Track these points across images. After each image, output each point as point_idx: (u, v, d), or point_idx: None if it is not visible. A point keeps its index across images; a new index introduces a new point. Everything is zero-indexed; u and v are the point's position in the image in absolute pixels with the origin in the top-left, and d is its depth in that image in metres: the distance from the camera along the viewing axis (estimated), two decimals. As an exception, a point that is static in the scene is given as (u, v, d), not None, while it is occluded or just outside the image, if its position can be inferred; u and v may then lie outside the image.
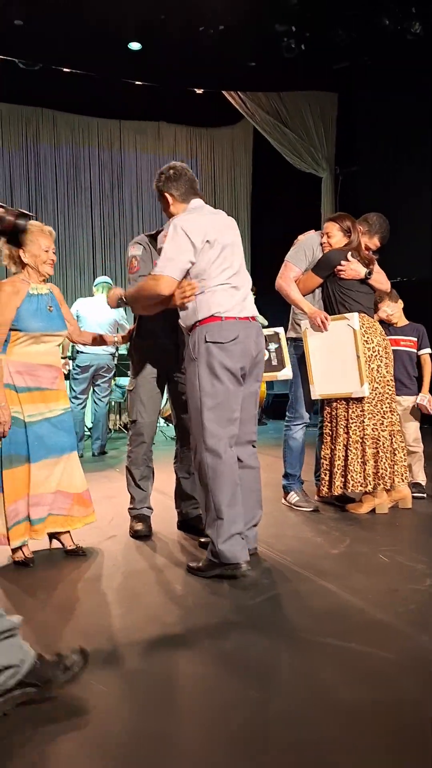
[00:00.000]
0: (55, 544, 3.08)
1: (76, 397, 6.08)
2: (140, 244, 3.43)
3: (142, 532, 3.33)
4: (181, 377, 3.38)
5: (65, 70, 7.62)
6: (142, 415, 3.40)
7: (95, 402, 6.28)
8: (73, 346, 6.26)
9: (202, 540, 3.08)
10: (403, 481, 3.56)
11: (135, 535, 3.33)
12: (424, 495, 3.91)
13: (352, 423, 3.54)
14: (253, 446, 2.91)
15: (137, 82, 8.00)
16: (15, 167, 8.21)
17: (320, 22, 7.27)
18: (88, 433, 6.67)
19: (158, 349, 3.33)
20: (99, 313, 6.00)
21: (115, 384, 7.25)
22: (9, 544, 2.81)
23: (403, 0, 6.85)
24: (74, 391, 6.11)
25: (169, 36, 7.10)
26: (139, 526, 3.37)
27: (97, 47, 7.19)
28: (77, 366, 6.11)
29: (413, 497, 3.75)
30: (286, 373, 3.92)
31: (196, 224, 2.67)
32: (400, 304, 4.10)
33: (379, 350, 3.52)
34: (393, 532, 3.31)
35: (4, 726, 1.62)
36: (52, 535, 3.03)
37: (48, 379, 2.91)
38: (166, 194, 2.85)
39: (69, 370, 6.26)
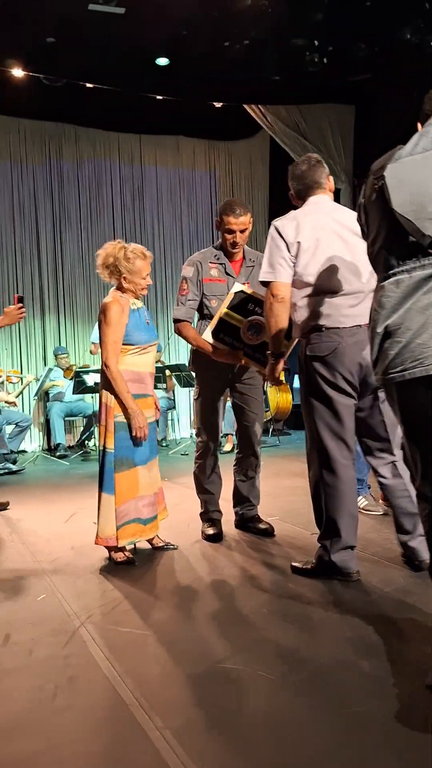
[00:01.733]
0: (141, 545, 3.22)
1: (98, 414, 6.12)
2: (191, 265, 3.50)
3: (214, 536, 3.42)
4: (243, 386, 3.46)
5: (88, 85, 7.72)
6: (205, 423, 3.48)
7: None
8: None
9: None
10: None
11: (207, 538, 3.41)
12: None
13: None
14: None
15: (158, 97, 8.11)
16: (38, 183, 8.28)
17: (342, 35, 7.41)
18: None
19: (214, 360, 3.35)
20: None
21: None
22: (117, 544, 2.95)
23: (427, 14, 6.99)
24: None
25: (194, 51, 7.22)
26: (210, 530, 3.45)
27: (124, 63, 7.30)
28: None
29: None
30: None
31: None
32: None
33: None
34: None
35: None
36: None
37: (150, 387, 3.11)
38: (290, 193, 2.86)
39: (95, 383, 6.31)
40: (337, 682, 1.84)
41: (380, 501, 3.93)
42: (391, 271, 1.76)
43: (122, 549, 3.01)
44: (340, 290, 2.58)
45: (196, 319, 3.53)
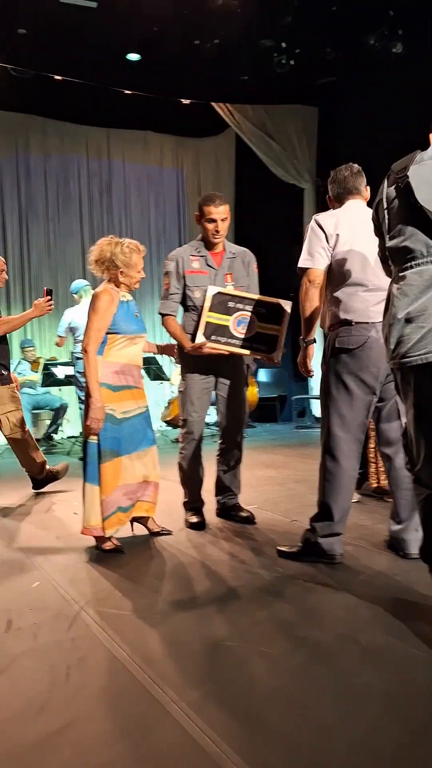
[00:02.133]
0: (137, 528, 3.31)
1: (84, 402, 6.12)
2: (171, 260, 3.58)
3: (198, 524, 3.51)
4: (226, 379, 3.57)
5: (57, 78, 7.67)
6: (191, 414, 3.56)
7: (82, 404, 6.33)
8: (72, 353, 6.31)
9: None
10: None
11: (191, 526, 3.50)
12: None
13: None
14: None
15: (126, 92, 8.12)
16: (5, 175, 8.18)
17: (310, 39, 7.57)
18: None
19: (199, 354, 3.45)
20: None
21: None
22: (104, 534, 3.01)
23: (391, 21, 7.21)
24: (80, 398, 6.17)
25: (165, 48, 7.26)
26: (194, 518, 3.55)
27: (95, 57, 7.28)
28: (78, 372, 6.15)
29: None
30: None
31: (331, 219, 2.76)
32: None
33: None
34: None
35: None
36: (136, 520, 3.27)
37: (138, 378, 3.16)
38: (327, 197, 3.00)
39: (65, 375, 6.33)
40: (337, 656, 1.96)
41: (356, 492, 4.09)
42: (414, 262, 1.89)
43: (109, 538, 3.06)
44: (372, 286, 2.69)
45: (181, 312, 3.62)
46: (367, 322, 2.69)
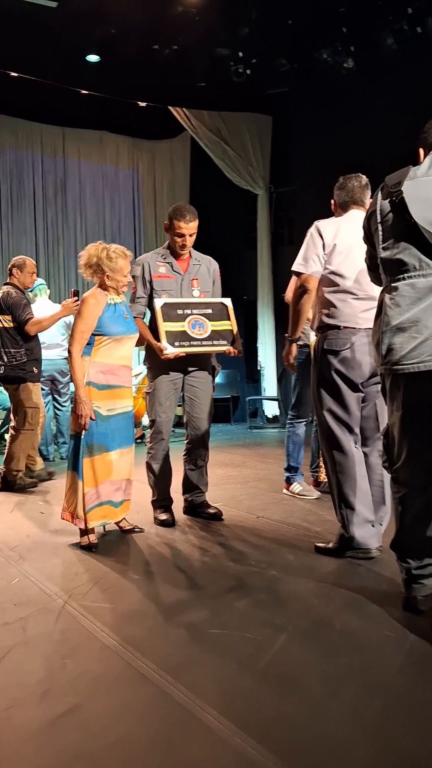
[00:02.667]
0: (109, 527, 3.40)
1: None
2: (138, 265, 3.69)
3: (167, 521, 3.60)
4: (193, 380, 3.69)
5: (13, 74, 7.59)
6: (160, 414, 3.67)
7: (58, 408, 6.30)
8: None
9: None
10: None
11: (161, 523, 3.59)
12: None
13: None
14: None
15: (83, 92, 8.11)
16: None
17: (266, 50, 7.77)
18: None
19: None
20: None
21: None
22: (86, 526, 3.10)
23: (344, 39, 7.48)
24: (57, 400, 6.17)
25: (124, 51, 7.31)
26: (163, 516, 3.64)
27: (52, 55, 7.26)
28: (56, 371, 6.12)
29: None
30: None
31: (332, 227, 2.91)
32: None
33: None
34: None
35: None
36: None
37: (124, 378, 3.26)
38: (332, 200, 3.12)
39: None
40: (316, 639, 2.10)
41: (312, 486, 4.27)
42: (407, 275, 2.04)
43: (91, 531, 3.14)
44: (362, 294, 2.85)
45: (149, 316, 3.72)
46: (354, 327, 2.85)
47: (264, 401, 9.57)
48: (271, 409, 9.58)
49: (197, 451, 3.79)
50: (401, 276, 2.07)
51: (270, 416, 9.53)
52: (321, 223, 2.93)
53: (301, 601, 2.43)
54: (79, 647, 2.08)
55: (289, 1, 6.84)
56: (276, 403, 9.53)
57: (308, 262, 2.88)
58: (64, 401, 6.27)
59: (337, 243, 2.87)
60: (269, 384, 9.58)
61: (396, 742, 1.53)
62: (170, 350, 3.46)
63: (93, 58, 7.31)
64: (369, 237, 2.24)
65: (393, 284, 2.10)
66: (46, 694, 1.80)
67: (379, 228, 2.15)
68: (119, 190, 9.27)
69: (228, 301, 3.77)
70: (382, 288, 2.22)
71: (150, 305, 3.66)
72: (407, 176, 2.06)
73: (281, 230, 9.92)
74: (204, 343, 3.57)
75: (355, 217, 2.96)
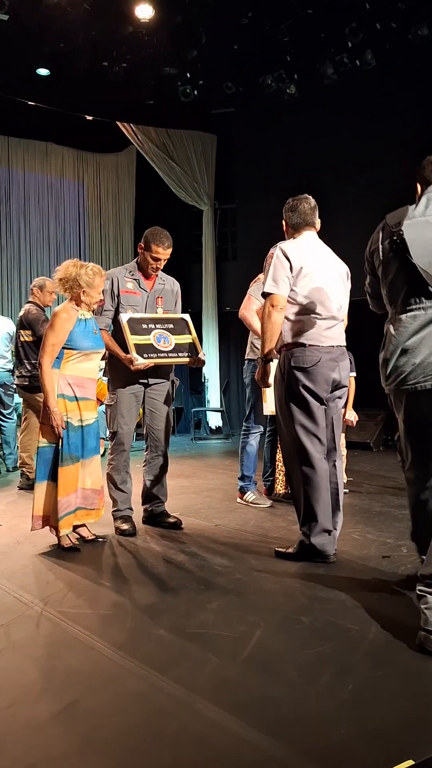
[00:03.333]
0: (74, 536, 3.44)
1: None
2: (107, 279, 3.76)
3: (128, 531, 3.69)
4: (153, 392, 3.84)
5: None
6: (122, 426, 3.78)
7: (2, 419, 6.26)
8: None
9: None
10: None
11: (123, 533, 3.68)
12: (347, 490, 4.68)
13: None
14: None
15: (30, 102, 8.12)
16: None
17: (213, 72, 8.04)
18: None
19: (131, 369, 3.67)
20: None
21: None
22: (59, 533, 3.24)
23: (289, 67, 7.84)
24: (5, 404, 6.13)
25: (73, 66, 7.40)
26: (125, 526, 3.73)
27: (3, 67, 7.26)
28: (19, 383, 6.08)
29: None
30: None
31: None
32: None
33: None
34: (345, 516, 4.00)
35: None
36: (75, 527, 3.43)
37: (91, 391, 3.37)
38: (283, 220, 3.28)
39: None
40: (287, 634, 2.28)
41: (264, 495, 4.48)
42: (408, 308, 2.30)
43: (67, 535, 3.25)
44: (325, 315, 3.06)
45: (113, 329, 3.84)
46: (319, 345, 3.06)
47: (208, 412, 9.76)
48: (214, 420, 9.78)
49: (157, 460, 3.92)
50: (404, 309, 2.32)
51: (213, 427, 9.73)
52: (285, 246, 3.12)
53: (269, 601, 2.61)
54: (66, 650, 2.18)
55: (236, 28, 7.13)
56: (219, 414, 9.74)
57: (278, 283, 3.06)
58: (9, 413, 6.25)
59: (303, 266, 3.07)
60: (213, 395, 9.79)
61: (371, 719, 1.72)
62: (141, 361, 3.59)
63: (43, 71, 7.35)
64: (373, 271, 2.50)
65: (398, 316, 2.34)
66: (43, 692, 1.89)
67: (381, 265, 2.40)
68: (64, 202, 9.29)
69: (187, 317, 3.96)
70: (387, 318, 2.45)
71: (114, 318, 3.79)
72: (406, 216, 2.29)
73: (225, 245, 10.20)
74: (170, 354, 3.74)
75: (310, 238, 3.19)
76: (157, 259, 3.75)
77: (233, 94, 8.49)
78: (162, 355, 3.72)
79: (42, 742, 1.63)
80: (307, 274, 3.08)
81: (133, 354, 3.60)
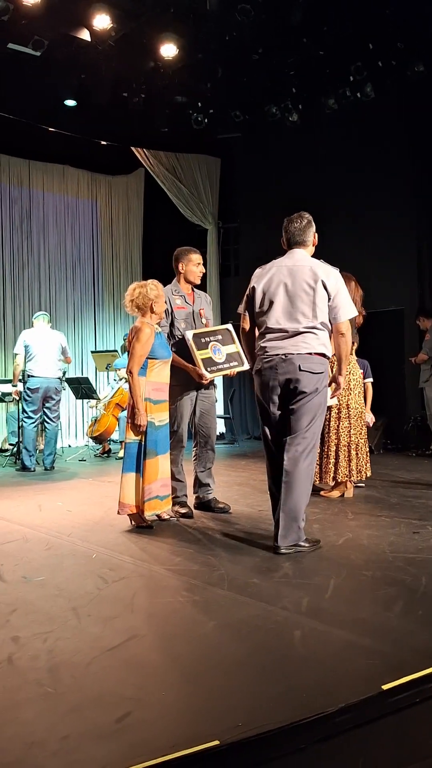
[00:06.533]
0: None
1: (29, 417, 6.59)
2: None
3: (187, 514, 4.24)
4: (204, 395, 4.39)
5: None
6: (182, 425, 4.33)
7: (47, 422, 6.77)
8: (23, 370, 6.72)
9: None
10: (366, 476, 4.87)
11: (183, 516, 4.21)
12: (363, 485, 5.26)
13: (342, 431, 4.75)
14: None
15: (50, 129, 8.67)
16: None
17: (223, 102, 8.67)
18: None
19: (190, 377, 4.25)
20: (45, 340, 6.68)
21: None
22: (143, 514, 3.75)
23: (294, 96, 8.50)
24: (26, 412, 6.62)
25: (97, 97, 7.97)
26: (183, 510, 4.27)
27: (26, 96, 7.81)
28: (28, 389, 6.61)
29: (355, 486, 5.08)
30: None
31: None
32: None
33: (359, 381, 4.86)
34: (362, 505, 4.59)
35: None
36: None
37: (166, 395, 3.90)
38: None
39: (21, 393, 6.75)
40: (357, 581, 2.84)
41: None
42: None
43: (143, 517, 3.80)
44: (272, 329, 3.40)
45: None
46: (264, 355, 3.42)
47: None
48: (219, 426, 10.33)
49: (207, 455, 4.46)
50: None
51: (218, 433, 10.27)
52: (257, 270, 3.53)
53: (331, 561, 3.17)
54: (188, 591, 2.70)
55: (247, 62, 7.77)
56: (223, 421, 10.28)
57: (243, 302, 3.57)
58: (54, 416, 6.76)
59: (256, 287, 3.46)
60: (219, 403, 10.35)
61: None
62: (209, 376, 4.17)
63: (70, 102, 7.91)
64: None
65: None
66: (189, 614, 2.43)
67: None
68: (79, 220, 9.82)
69: (230, 326, 4.52)
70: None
71: (171, 332, 4.33)
72: None
73: (228, 262, 10.81)
74: (224, 366, 4.30)
75: (294, 254, 3.46)
76: (199, 264, 4.40)
77: (240, 122, 9.12)
78: (220, 366, 4.29)
79: (207, 652, 2.17)
80: (260, 293, 3.44)
81: (203, 370, 4.15)
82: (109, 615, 2.45)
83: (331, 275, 3.40)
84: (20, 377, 6.71)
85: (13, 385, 6.98)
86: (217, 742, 1.53)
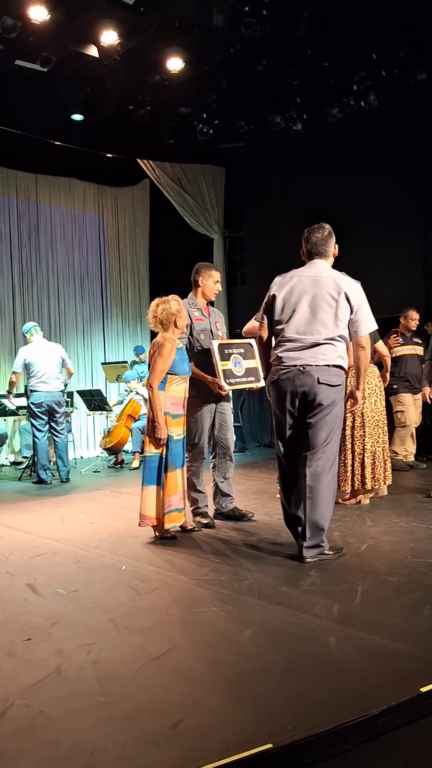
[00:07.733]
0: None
1: (39, 430, 6.67)
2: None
3: (210, 524, 4.31)
4: (222, 407, 4.48)
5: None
6: (201, 438, 4.40)
7: (55, 435, 6.83)
8: (26, 385, 6.79)
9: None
10: (384, 484, 4.94)
11: (205, 526, 4.28)
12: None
13: (356, 439, 4.83)
14: None
15: (56, 143, 8.78)
16: None
17: (228, 113, 8.78)
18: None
19: (209, 388, 4.33)
20: (46, 355, 6.73)
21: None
22: (163, 526, 3.82)
23: (298, 106, 8.61)
24: (35, 427, 6.69)
25: (103, 111, 8.08)
26: (205, 520, 4.35)
27: (31, 110, 7.93)
28: (32, 403, 6.66)
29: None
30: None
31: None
32: None
33: (375, 389, 4.89)
34: (380, 512, 4.65)
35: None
36: None
37: (182, 409, 3.98)
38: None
39: (17, 407, 6.89)
40: (383, 587, 2.91)
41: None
42: None
43: (166, 528, 3.86)
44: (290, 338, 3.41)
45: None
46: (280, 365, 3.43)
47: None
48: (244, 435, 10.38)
49: (226, 465, 4.54)
50: None
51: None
52: (277, 278, 3.53)
53: (356, 567, 3.24)
54: (219, 600, 2.78)
55: (252, 73, 7.88)
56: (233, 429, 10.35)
57: (260, 310, 3.58)
58: (61, 429, 6.83)
59: (277, 295, 3.45)
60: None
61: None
62: (228, 388, 4.25)
63: (78, 117, 8.03)
64: None
65: None
66: (225, 623, 2.50)
67: None
68: (86, 232, 9.92)
69: (253, 342, 4.56)
70: None
71: (190, 343, 4.41)
72: None
73: (234, 271, 10.90)
74: (241, 381, 4.38)
75: (315, 265, 3.49)
76: (217, 282, 4.50)
77: (244, 132, 9.23)
78: (238, 380, 4.37)
79: (247, 659, 2.24)
80: (281, 301, 3.44)
81: (222, 381, 4.23)
82: (146, 626, 2.52)
83: (354, 288, 3.42)
84: (22, 392, 6.80)
85: (9, 392, 6.98)
86: (270, 745, 1.60)
